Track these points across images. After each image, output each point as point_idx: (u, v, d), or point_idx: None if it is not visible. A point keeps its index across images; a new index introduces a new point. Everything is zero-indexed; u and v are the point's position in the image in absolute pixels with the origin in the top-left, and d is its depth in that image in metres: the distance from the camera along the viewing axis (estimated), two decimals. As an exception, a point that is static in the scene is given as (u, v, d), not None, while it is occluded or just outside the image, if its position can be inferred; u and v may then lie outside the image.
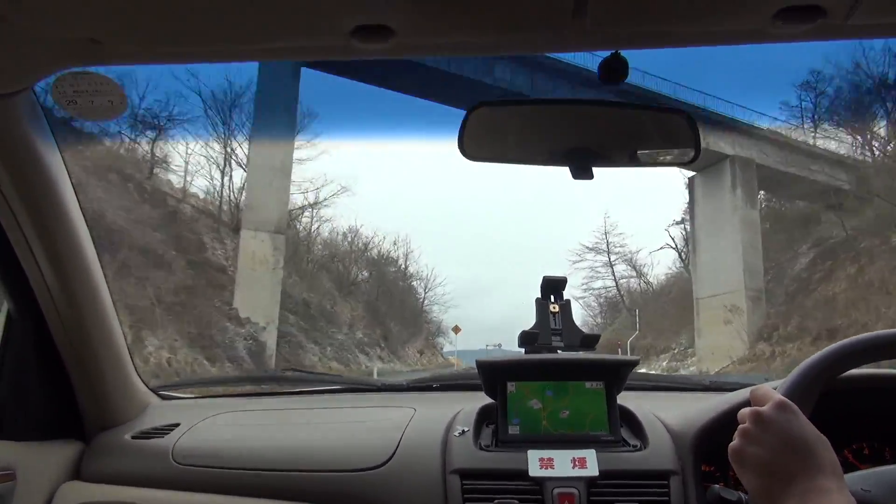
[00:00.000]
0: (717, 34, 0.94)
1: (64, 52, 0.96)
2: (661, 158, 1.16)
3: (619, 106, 1.08)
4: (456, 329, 30.87)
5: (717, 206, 24.83)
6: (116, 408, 1.61)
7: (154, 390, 1.80)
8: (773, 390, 0.92)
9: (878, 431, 1.34)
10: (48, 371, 1.48)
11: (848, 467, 1.30)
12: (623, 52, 0.94)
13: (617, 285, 39.56)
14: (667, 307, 33.21)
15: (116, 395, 1.60)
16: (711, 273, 25.08)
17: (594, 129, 1.13)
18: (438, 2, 0.83)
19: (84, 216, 1.41)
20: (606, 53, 0.94)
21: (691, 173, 26.41)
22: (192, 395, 1.91)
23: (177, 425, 1.59)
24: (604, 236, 37.79)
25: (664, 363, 28.16)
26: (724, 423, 1.18)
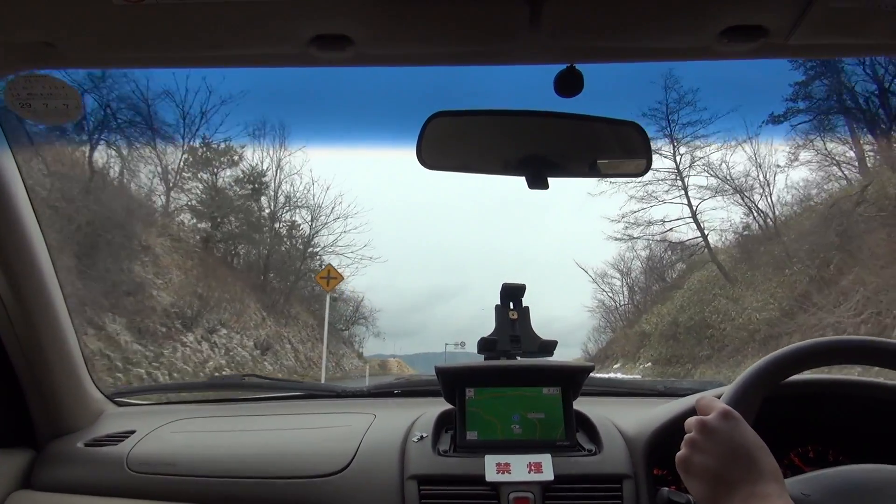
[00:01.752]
0: (668, 50, 0.97)
1: (17, 54, 0.95)
2: (615, 169, 1.19)
3: (573, 118, 1.11)
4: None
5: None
6: (69, 415, 1.58)
7: (110, 397, 1.78)
8: (716, 399, 0.95)
9: (822, 435, 1.39)
10: None
11: (794, 470, 1.36)
12: (579, 66, 0.97)
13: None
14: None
15: (69, 403, 1.57)
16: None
17: (549, 140, 1.16)
18: (396, 12, 0.84)
19: (38, 221, 1.38)
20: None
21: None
22: (149, 402, 1.88)
23: (132, 432, 1.57)
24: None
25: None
26: (676, 428, 1.21)
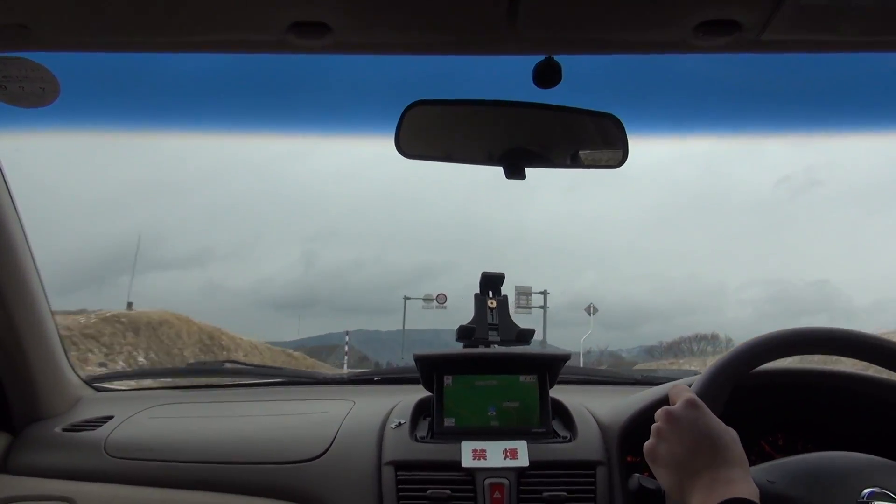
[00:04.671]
0: (644, 44, 0.98)
1: None
2: (592, 160, 1.20)
3: (551, 109, 1.12)
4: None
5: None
6: (46, 400, 1.58)
7: (88, 382, 1.77)
8: (686, 388, 0.97)
9: (791, 424, 1.42)
10: None
11: (764, 457, 1.38)
12: (557, 58, 0.98)
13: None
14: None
15: (47, 387, 1.57)
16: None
17: (527, 131, 1.16)
18: (375, 1, 0.84)
19: (14, 204, 1.37)
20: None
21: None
22: (128, 388, 1.88)
23: (110, 417, 1.57)
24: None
25: None
26: (649, 416, 1.23)
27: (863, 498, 0.92)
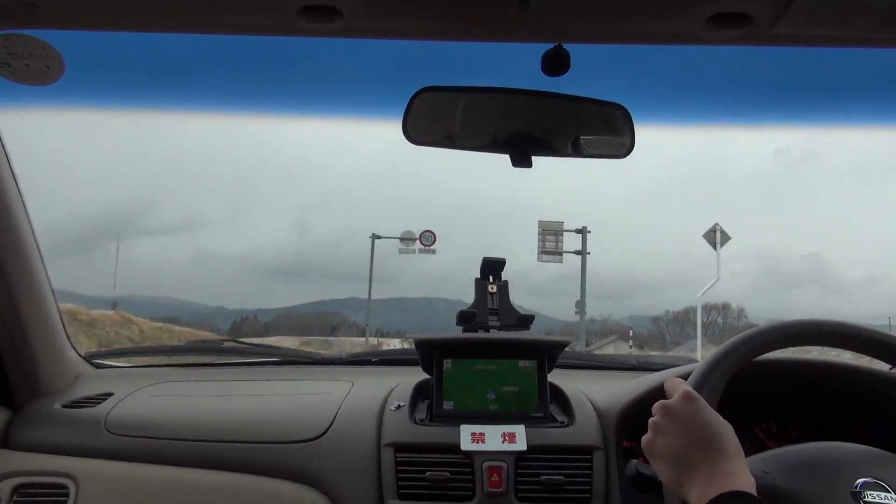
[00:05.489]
0: (656, 34, 0.98)
1: None
2: (599, 150, 1.20)
3: (559, 97, 1.12)
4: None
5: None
6: (47, 376, 1.58)
7: (87, 359, 1.78)
8: (682, 381, 0.98)
9: (786, 412, 1.44)
10: None
11: (758, 445, 1.41)
12: (566, 47, 0.98)
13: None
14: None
15: (47, 364, 1.57)
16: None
17: (534, 119, 1.17)
18: None
19: (17, 184, 1.37)
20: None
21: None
22: (128, 365, 1.88)
23: (110, 394, 1.58)
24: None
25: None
26: (646, 402, 1.25)
27: (856, 488, 0.93)
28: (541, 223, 20.08)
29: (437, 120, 1.16)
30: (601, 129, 1.19)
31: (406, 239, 20.86)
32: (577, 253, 20.32)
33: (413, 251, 20.77)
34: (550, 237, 20.08)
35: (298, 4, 0.87)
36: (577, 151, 1.19)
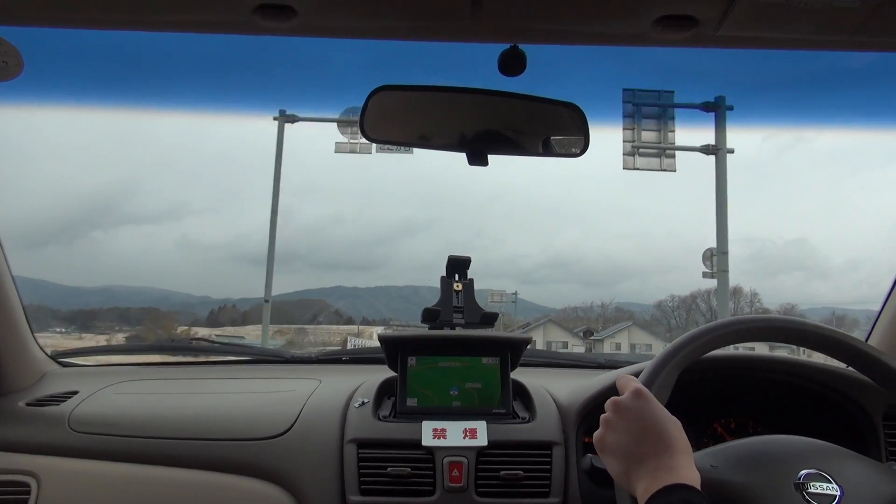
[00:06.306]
0: (606, 35, 1.00)
1: None
2: (553, 149, 1.22)
3: (515, 97, 1.14)
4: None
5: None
6: (10, 374, 1.57)
7: (53, 357, 1.77)
8: (633, 378, 1.01)
9: (743, 407, 1.47)
10: None
11: (716, 439, 1.43)
12: (522, 47, 0.99)
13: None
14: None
15: (11, 362, 1.57)
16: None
17: (490, 119, 1.18)
18: None
19: None
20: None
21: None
22: (94, 363, 1.87)
23: (75, 393, 1.57)
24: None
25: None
26: (603, 398, 1.27)
27: (800, 479, 0.96)
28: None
29: (393, 118, 1.18)
30: (556, 128, 1.21)
31: (344, 122, 12.36)
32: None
33: (359, 147, 11.95)
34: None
35: (254, 3, 0.88)
36: (533, 150, 1.21)
